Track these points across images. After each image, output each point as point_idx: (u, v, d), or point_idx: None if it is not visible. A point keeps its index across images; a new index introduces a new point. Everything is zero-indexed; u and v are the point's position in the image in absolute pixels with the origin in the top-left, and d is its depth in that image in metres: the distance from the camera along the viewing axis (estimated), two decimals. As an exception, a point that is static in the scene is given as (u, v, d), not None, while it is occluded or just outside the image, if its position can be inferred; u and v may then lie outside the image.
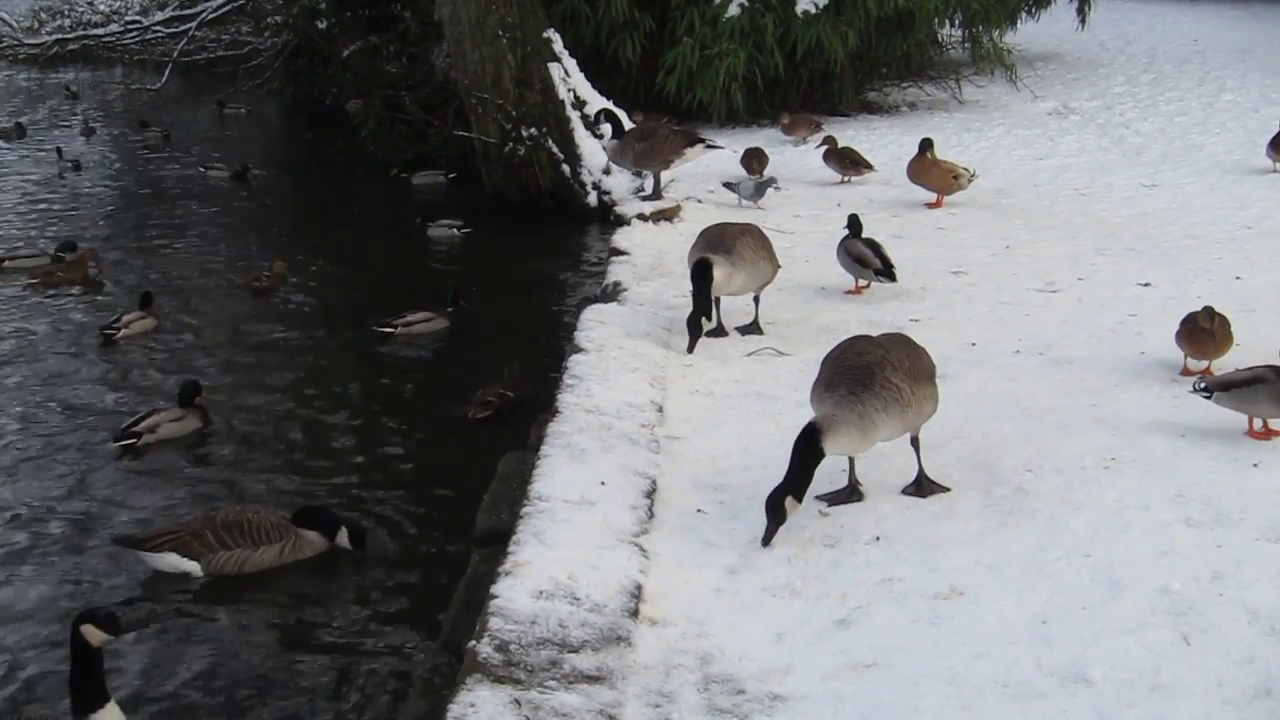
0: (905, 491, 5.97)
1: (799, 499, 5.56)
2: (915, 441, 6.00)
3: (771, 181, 13.16)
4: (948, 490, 5.92)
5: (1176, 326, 7.44)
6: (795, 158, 15.52)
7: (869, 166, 14.19)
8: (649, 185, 13.53)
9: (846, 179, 14.17)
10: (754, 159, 14.22)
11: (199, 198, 16.56)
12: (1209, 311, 7.29)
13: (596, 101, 15.09)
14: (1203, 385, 6.48)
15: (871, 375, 5.70)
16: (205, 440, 8.46)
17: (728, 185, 13.18)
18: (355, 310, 11.43)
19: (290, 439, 8.47)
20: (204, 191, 16.95)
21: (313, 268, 12.86)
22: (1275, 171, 13.62)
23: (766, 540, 5.54)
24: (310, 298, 12.04)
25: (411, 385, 9.50)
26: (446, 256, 13.40)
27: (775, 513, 5.52)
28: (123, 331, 10.72)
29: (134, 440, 8.20)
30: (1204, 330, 7.26)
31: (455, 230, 13.85)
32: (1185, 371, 7.40)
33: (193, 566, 6.57)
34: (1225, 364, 7.21)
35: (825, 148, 14.41)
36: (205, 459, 8.24)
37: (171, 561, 6.55)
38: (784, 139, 16.57)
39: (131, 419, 8.36)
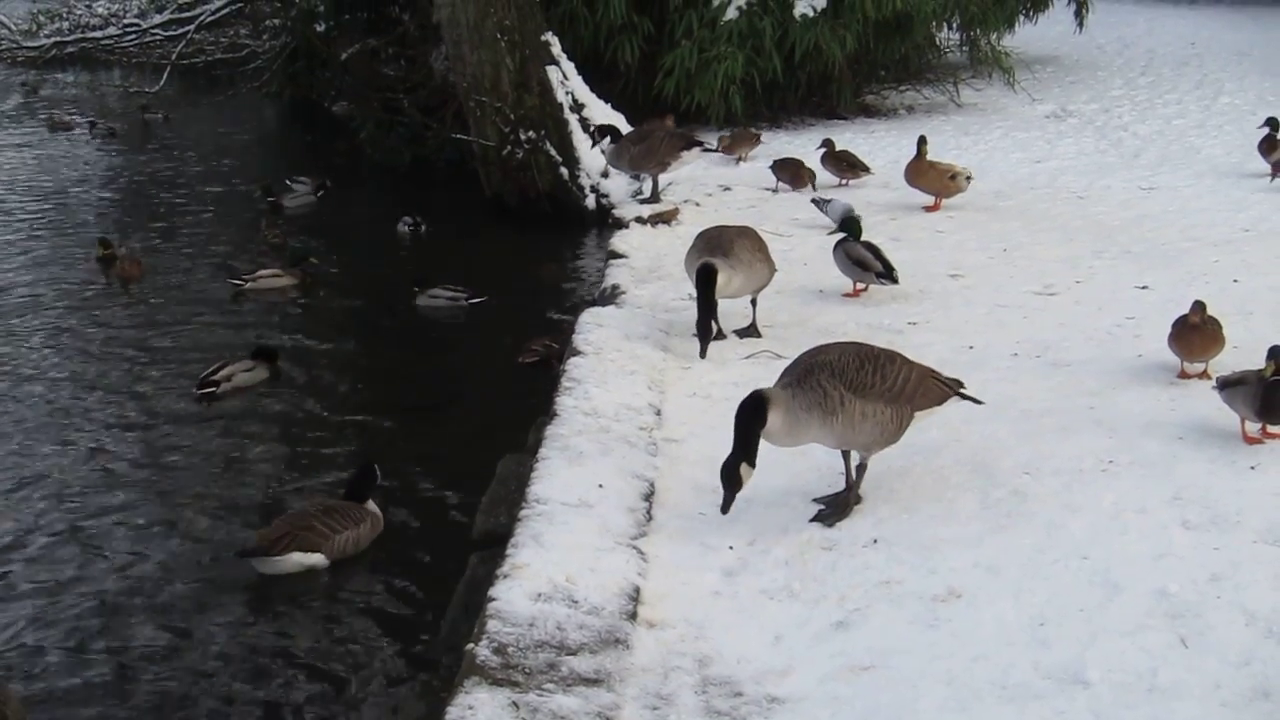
0: (817, 501, 5.92)
1: (752, 464, 5.57)
2: (860, 464, 5.85)
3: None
4: (843, 518, 5.80)
5: (1170, 330, 7.44)
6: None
7: (866, 169, 14.19)
8: (647, 188, 13.53)
9: (844, 182, 14.17)
10: (793, 170, 13.92)
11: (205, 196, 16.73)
12: (1198, 305, 7.28)
13: (595, 104, 15.10)
14: (1217, 383, 6.53)
15: (809, 374, 5.66)
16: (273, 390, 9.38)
17: (815, 202, 12.20)
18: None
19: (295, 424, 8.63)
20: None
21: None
22: (1268, 174, 13.59)
23: (725, 508, 5.58)
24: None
25: (417, 381, 9.55)
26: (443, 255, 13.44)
27: (731, 480, 5.55)
28: (249, 285, 11.41)
29: (213, 389, 9.09)
30: (1191, 326, 7.25)
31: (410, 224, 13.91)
32: (1182, 374, 7.40)
33: (318, 559, 6.68)
34: (1222, 365, 7.21)
35: (824, 150, 14.41)
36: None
37: (297, 560, 6.63)
38: (725, 158, 15.71)
39: (210, 369, 9.25)
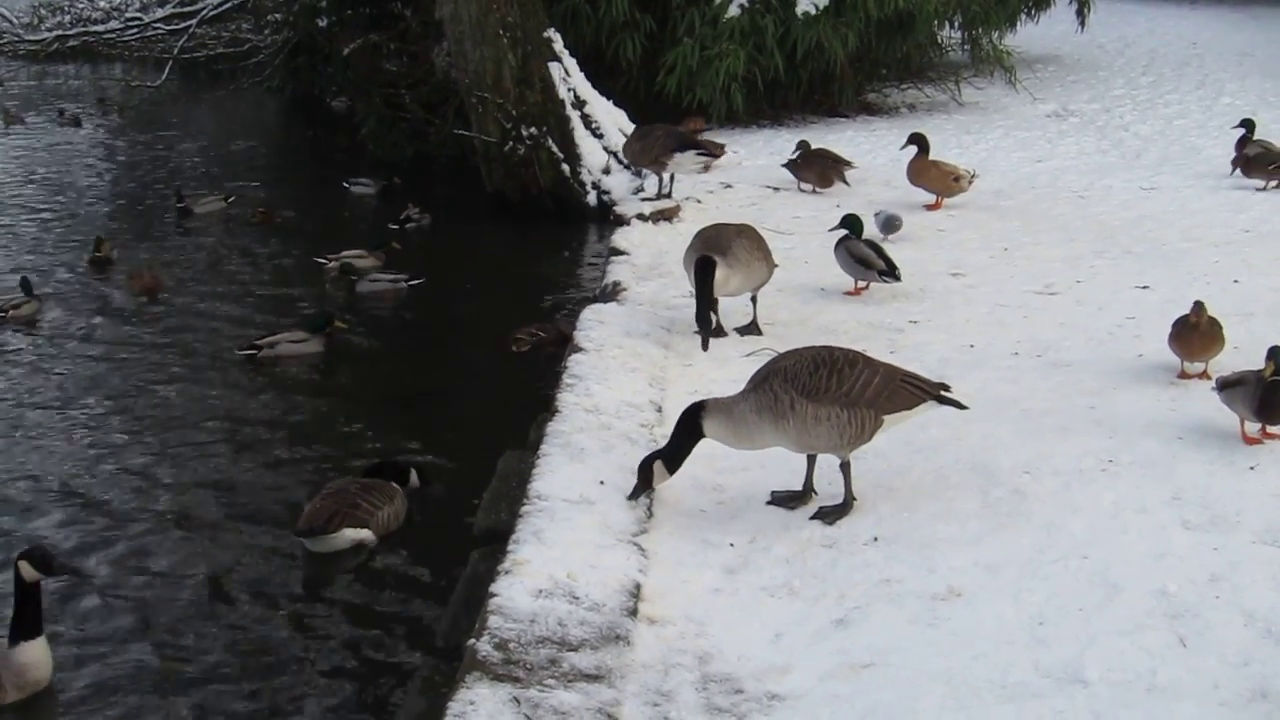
0: (815, 516, 5.85)
1: (670, 469, 5.77)
2: (841, 464, 5.85)
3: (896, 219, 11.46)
4: (843, 516, 5.81)
5: (1170, 330, 7.44)
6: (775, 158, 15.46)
7: (847, 164, 14.14)
8: (650, 185, 13.53)
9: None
10: (819, 171, 13.65)
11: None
12: (1198, 305, 7.28)
13: (597, 101, 15.11)
14: (1216, 384, 6.56)
15: (764, 379, 5.74)
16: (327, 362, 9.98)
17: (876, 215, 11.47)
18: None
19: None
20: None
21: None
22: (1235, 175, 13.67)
23: (633, 496, 5.83)
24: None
25: (417, 378, 9.58)
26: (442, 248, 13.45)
27: (643, 474, 5.79)
28: (332, 263, 12.14)
29: (255, 351, 9.72)
30: (1191, 326, 7.25)
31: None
32: (1182, 375, 7.41)
33: (367, 534, 6.85)
34: (1221, 365, 7.22)
35: (799, 151, 14.36)
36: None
37: (349, 536, 6.79)
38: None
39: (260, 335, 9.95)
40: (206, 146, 20.78)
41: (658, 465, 5.77)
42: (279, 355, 9.77)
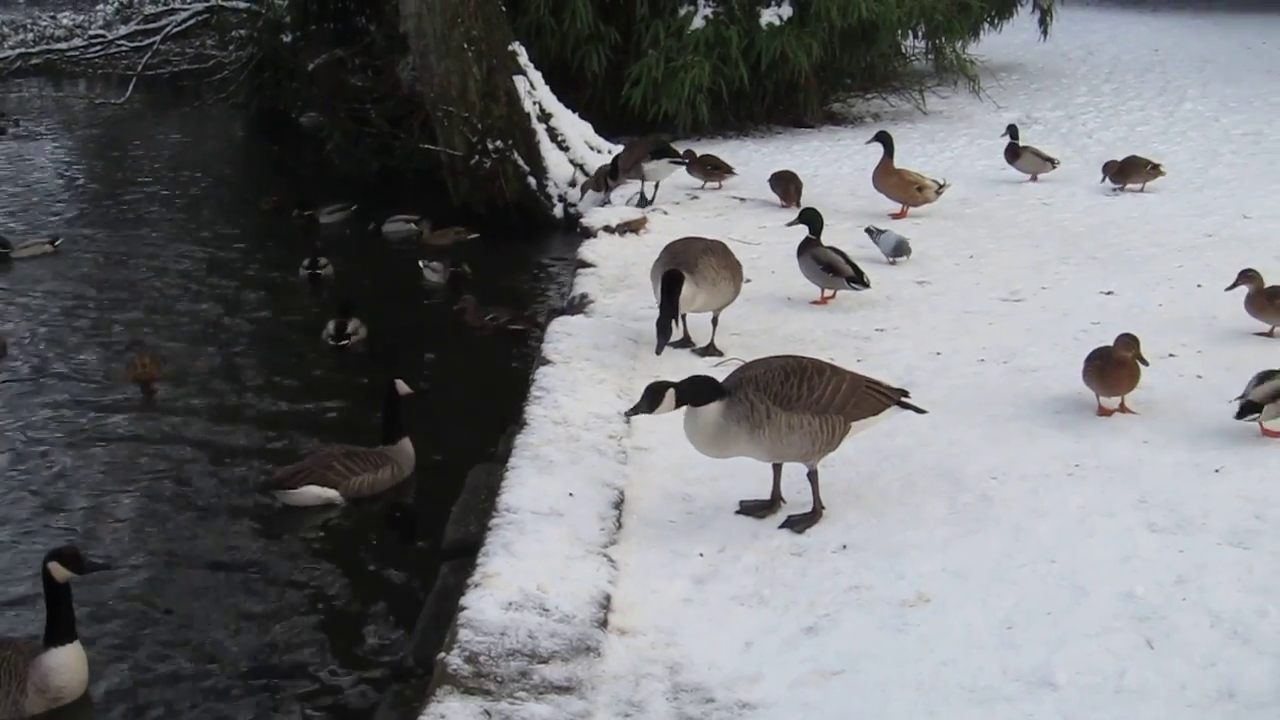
0: (784, 525, 5.86)
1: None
2: (809, 473, 5.88)
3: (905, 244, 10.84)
4: (812, 525, 5.83)
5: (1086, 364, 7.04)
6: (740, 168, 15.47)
7: (730, 170, 14.23)
8: (615, 198, 13.63)
9: (718, 185, 14.25)
10: (784, 186, 13.36)
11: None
12: (1128, 340, 6.88)
13: (562, 114, 15.15)
14: (1241, 405, 6.43)
15: (736, 389, 5.73)
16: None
17: (869, 232, 11.03)
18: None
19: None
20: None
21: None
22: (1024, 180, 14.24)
23: (631, 412, 5.91)
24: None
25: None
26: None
27: (652, 397, 5.71)
28: (430, 256, 12.90)
29: (346, 340, 10.28)
30: (1119, 361, 6.84)
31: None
32: (1102, 411, 7.03)
33: (333, 495, 7.36)
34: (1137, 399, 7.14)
35: (686, 161, 14.35)
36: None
37: (314, 494, 7.24)
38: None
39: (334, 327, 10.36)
40: (159, 162, 20.71)
41: (669, 394, 5.64)
42: (360, 339, 10.44)
